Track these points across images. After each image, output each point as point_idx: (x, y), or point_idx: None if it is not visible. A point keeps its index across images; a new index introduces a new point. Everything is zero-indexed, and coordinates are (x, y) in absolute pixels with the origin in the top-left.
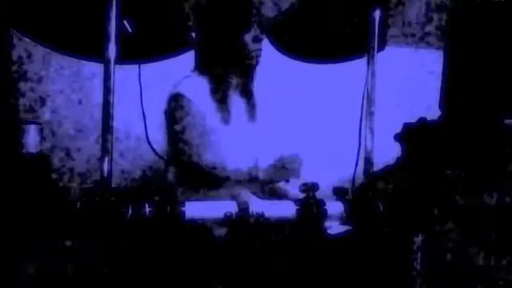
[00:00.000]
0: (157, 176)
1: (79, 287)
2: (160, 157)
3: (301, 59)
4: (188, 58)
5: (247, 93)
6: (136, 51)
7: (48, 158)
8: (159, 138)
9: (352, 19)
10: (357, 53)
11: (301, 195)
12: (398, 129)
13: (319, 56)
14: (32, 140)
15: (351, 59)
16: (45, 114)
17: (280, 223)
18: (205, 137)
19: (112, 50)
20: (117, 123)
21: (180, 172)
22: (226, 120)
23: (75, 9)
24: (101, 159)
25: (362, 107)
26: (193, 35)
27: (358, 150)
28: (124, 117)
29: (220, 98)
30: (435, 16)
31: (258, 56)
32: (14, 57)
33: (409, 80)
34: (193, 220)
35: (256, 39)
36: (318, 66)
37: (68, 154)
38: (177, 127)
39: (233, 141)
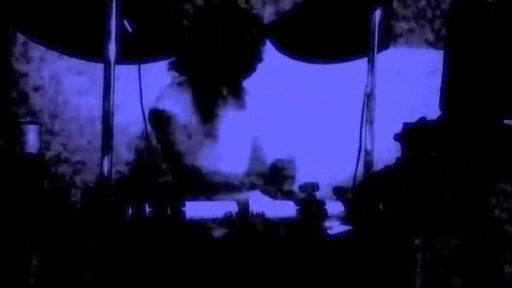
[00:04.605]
0: (156, 175)
1: (79, 286)
2: (159, 157)
3: (302, 58)
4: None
5: (239, 97)
6: (136, 51)
7: (48, 158)
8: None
9: (354, 19)
10: (359, 52)
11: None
12: (398, 129)
13: (319, 55)
14: (32, 140)
15: (352, 59)
16: (45, 114)
17: (281, 223)
18: (197, 145)
19: (112, 50)
20: (117, 123)
21: (176, 179)
22: (212, 129)
23: (75, 9)
24: (101, 159)
25: (363, 107)
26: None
27: (359, 150)
28: (124, 117)
29: (208, 105)
30: (436, 16)
31: (258, 62)
32: (14, 57)
33: (409, 79)
34: (193, 220)
35: (257, 47)
36: (319, 66)
37: (67, 154)
38: (165, 139)
39: (228, 144)
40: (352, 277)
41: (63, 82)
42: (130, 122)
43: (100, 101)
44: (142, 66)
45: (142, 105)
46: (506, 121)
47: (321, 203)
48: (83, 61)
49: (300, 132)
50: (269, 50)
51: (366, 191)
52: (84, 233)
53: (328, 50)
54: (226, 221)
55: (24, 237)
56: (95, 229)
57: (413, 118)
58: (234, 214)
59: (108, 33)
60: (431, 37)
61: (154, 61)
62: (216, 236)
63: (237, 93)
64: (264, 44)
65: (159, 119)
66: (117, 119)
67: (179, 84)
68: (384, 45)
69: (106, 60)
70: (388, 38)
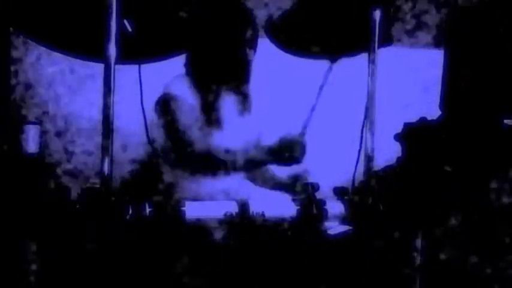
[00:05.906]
0: (156, 175)
1: (79, 286)
2: (160, 156)
3: (302, 56)
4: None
5: (242, 98)
6: (136, 51)
7: (47, 158)
8: (158, 137)
9: (355, 16)
10: (360, 50)
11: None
12: (398, 128)
13: (320, 53)
14: (31, 140)
15: (352, 57)
16: (45, 114)
17: (281, 223)
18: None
19: (112, 50)
20: (117, 123)
21: (177, 160)
22: (216, 123)
23: (75, 9)
24: (101, 159)
25: (363, 107)
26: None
27: (359, 149)
28: (124, 117)
29: (210, 103)
30: (436, 15)
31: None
32: (14, 57)
33: (410, 79)
34: (193, 220)
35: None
36: (319, 65)
37: (67, 154)
38: (170, 125)
39: (230, 137)
40: (352, 278)
41: (63, 82)
42: (130, 122)
43: (100, 101)
44: (142, 66)
45: (142, 105)
46: (506, 121)
47: (321, 203)
48: (83, 61)
49: (299, 132)
50: (268, 48)
51: (366, 191)
52: (84, 233)
53: (330, 47)
54: (226, 221)
55: (24, 237)
56: (94, 229)
57: (413, 118)
58: (234, 214)
59: (108, 33)
60: (431, 37)
61: (154, 61)
62: (216, 236)
63: (240, 94)
64: (255, 45)
65: (168, 106)
66: (118, 119)
67: (183, 76)
68: (384, 45)
69: (106, 60)
70: (389, 38)
